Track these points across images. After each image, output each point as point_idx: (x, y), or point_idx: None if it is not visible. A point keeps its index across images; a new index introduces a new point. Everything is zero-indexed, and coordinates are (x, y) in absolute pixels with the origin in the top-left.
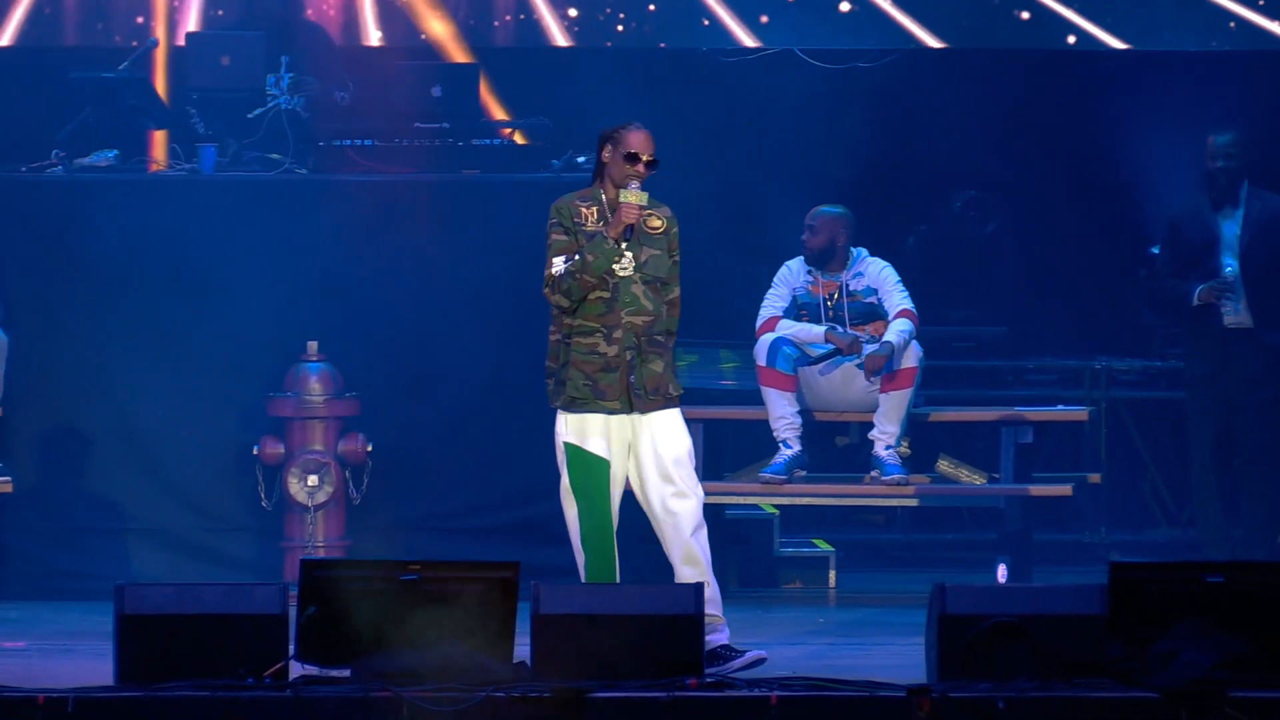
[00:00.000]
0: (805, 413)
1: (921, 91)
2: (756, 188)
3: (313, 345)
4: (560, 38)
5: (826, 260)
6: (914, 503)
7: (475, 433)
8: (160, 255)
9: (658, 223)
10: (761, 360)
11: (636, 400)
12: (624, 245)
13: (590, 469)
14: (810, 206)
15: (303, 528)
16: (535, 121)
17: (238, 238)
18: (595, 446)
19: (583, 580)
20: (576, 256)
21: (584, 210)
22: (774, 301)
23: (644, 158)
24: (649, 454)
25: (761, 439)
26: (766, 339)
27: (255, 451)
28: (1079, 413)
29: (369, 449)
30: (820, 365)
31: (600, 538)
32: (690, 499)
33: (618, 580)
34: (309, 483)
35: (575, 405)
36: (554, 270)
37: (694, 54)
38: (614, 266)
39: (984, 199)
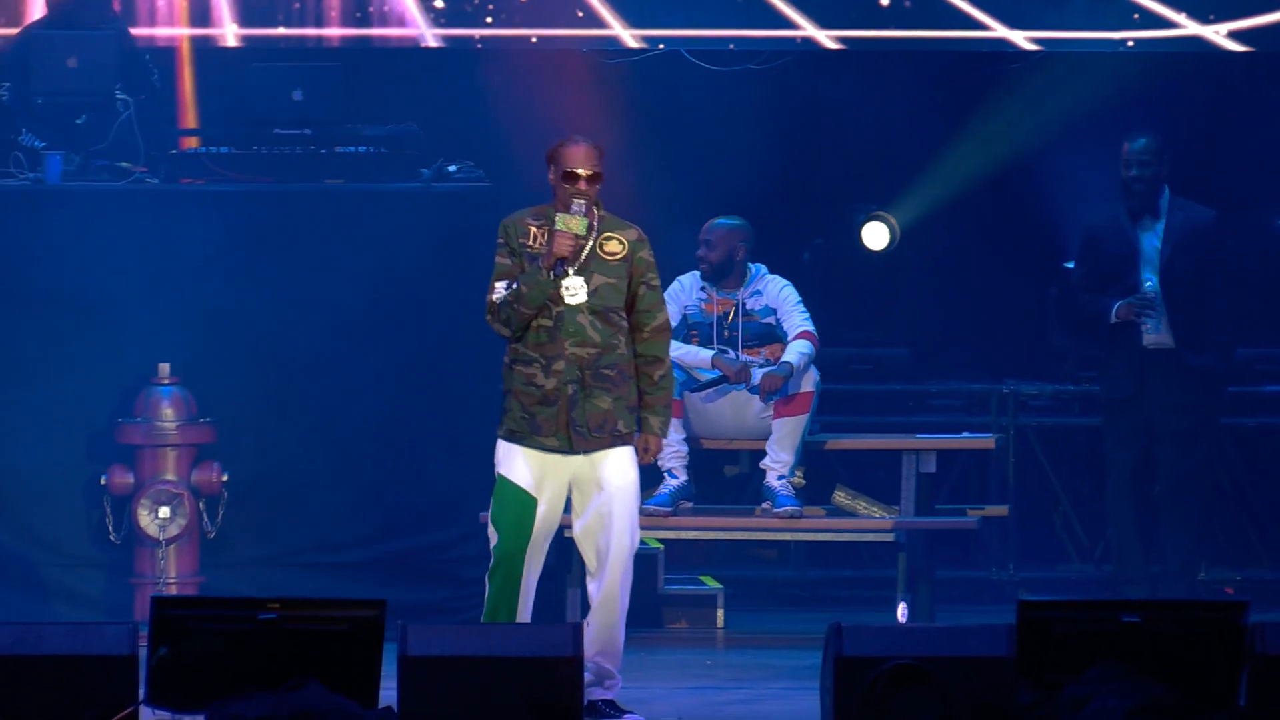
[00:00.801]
0: (692, 440)
1: (818, 95)
2: (644, 198)
3: (164, 367)
4: (427, 33)
5: (723, 276)
6: (809, 537)
7: (340, 461)
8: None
9: (616, 247)
10: None
11: (577, 438)
12: (569, 272)
13: (512, 503)
14: (703, 218)
15: (154, 563)
16: (403, 128)
17: (87, 252)
18: (522, 481)
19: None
20: (515, 284)
21: (534, 230)
22: None
23: (583, 173)
24: (590, 492)
25: (645, 468)
26: None
27: (103, 481)
28: (985, 440)
29: (225, 479)
30: (704, 393)
31: (506, 576)
32: (625, 544)
33: (524, 619)
34: (160, 514)
35: (512, 437)
36: (494, 296)
37: (572, 54)
38: (562, 293)
39: (885, 213)
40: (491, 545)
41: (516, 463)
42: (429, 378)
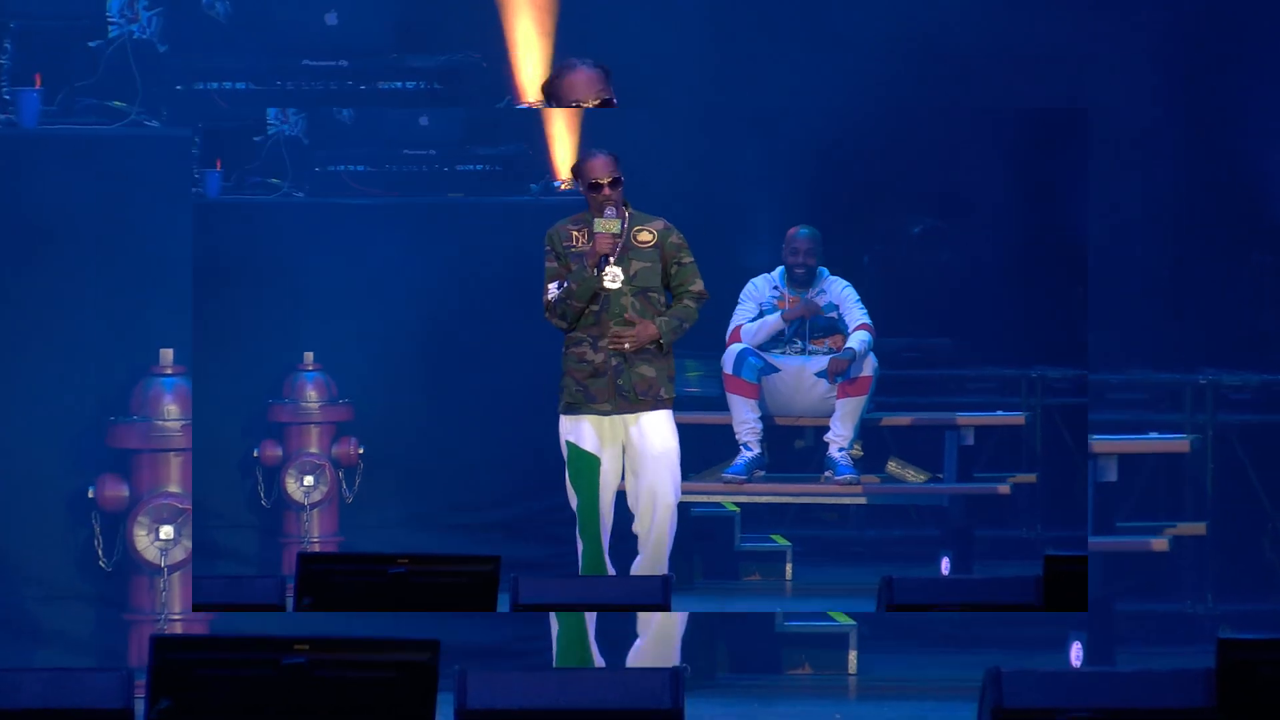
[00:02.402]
0: (766, 418)
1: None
2: (726, 205)
3: (309, 355)
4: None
5: (808, 280)
6: (864, 501)
7: (461, 437)
8: None
9: (647, 236)
10: (729, 369)
11: (622, 402)
12: (610, 263)
13: (583, 465)
14: (777, 225)
15: (153, 595)
16: (514, 148)
17: (74, 212)
18: (588, 445)
19: (579, 569)
20: (566, 283)
21: (575, 233)
22: (741, 315)
23: (604, 183)
24: (635, 450)
25: (724, 442)
26: (734, 350)
27: (90, 494)
28: (1177, 442)
29: (361, 451)
30: (786, 331)
31: (591, 529)
32: (666, 497)
33: (609, 571)
34: (305, 482)
35: (571, 409)
36: (549, 296)
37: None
38: (604, 281)
39: (941, 227)
40: (574, 507)
41: (580, 430)
42: (534, 367)
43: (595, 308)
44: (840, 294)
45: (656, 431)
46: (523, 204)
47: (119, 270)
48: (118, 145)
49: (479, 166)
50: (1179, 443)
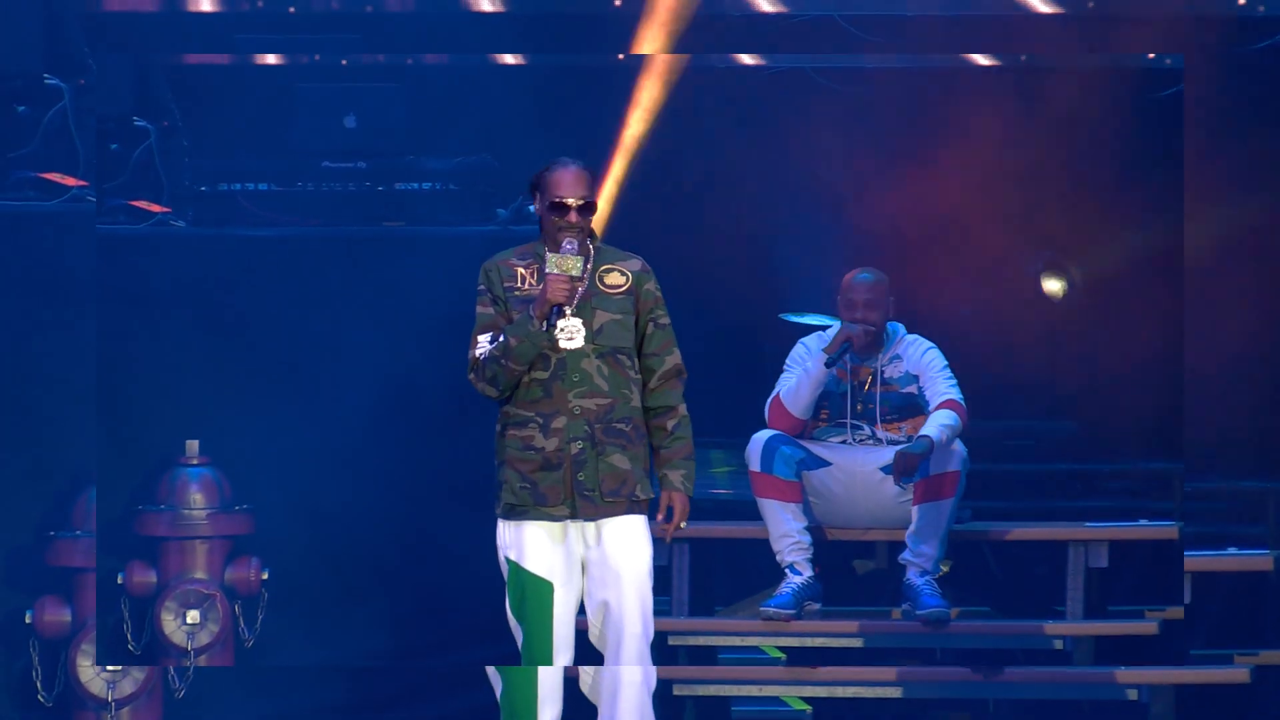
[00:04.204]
0: (817, 529)
1: (972, 118)
2: (754, 239)
3: (193, 445)
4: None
5: (873, 340)
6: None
7: (400, 559)
8: None
9: (618, 279)
10: (755, 464)
11: (584, 504)
12: (566, 314)
13: (530, 591)
14: (827, 266)
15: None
16: (475, 160)
17: (9, 295)
18: (536, 564)
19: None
20: (502, 337)
21: (520, 270)
22: (784, 385)
23: (572, 203)
24: (597, 567)
25: (763, 563)
26: (760, 440)
27: (28, 619)
28: (1167, 529)
29: (264, 576)
30: (838, 364)
31: (527, 690)
32: (634, 627)
33: None
34: (188, 619)
35: (514, 513)
36: (477, 352)
37: (679, 69)
38: (558, 338)
39: (1063, 262)
40: (518, 642)
41: (524, 543)
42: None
43: (543, 374)
44: (921, 360)
45: (629, 543)
46: (486, 236)
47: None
48: (144, 243)
49: (426, 185)
50: (1169, 529)
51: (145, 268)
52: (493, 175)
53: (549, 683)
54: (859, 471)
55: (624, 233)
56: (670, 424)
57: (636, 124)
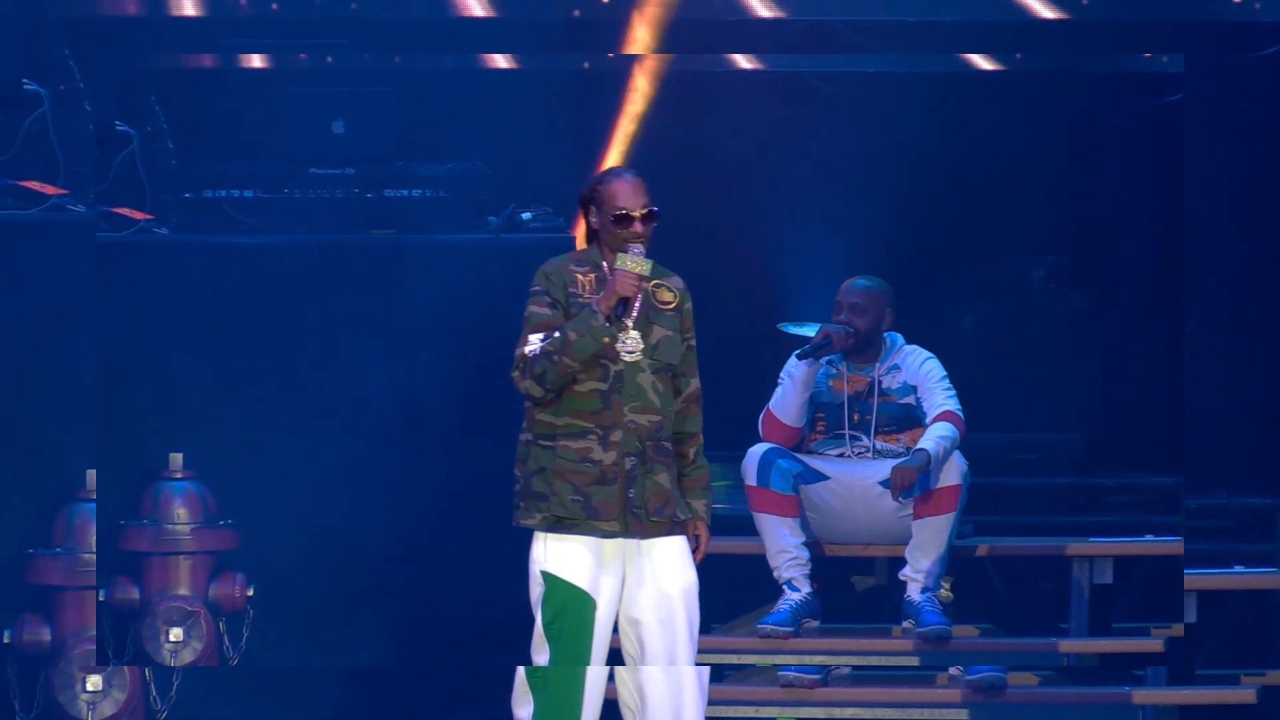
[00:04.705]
0: (815, 545)
1: (976, 122)
2: (750, 244)
3: (176, 458)
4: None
5: (863, 349)
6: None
7: (391, 571)
8: None
9: (669, 295)
10: (750, 478)
11: (633, 521)
12: (628, 325)
13: (571, 607)
14: (827, 272)
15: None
16: (467, 166)
17: (52, 310)
18: (580, 578)
19: None
20: (556, 334)
21: (579, 276)
22: (778, 397)
23: (637, 214)
24: (639, 586)
25: (760, 580)
26: (755, 453)
27: (6, 639)
28: (1172, 544)
29: (249, 593)
30: (811, 361)
31: (571, 705)
32: (689, 653)
33: None
34: (172, 636)
35: (559, 525)
36: (527, 349)
37: (676, 74)
38: (619, 349)
39: (1070, 265)
40: (544, 661)
41: (568, 556)
42: (503, 471)
43: (603, 385)
44: (919, 370)
45: (678, 563)
46: (477, 244)
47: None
48: (125, 250)
49: (416, 192)
50: (1174, 545)
51: (127, 277)
52: (484, 182)
53: (594, 692)
54: (857, 485)
55: None
56: (692, 451)
57: (628, 127)
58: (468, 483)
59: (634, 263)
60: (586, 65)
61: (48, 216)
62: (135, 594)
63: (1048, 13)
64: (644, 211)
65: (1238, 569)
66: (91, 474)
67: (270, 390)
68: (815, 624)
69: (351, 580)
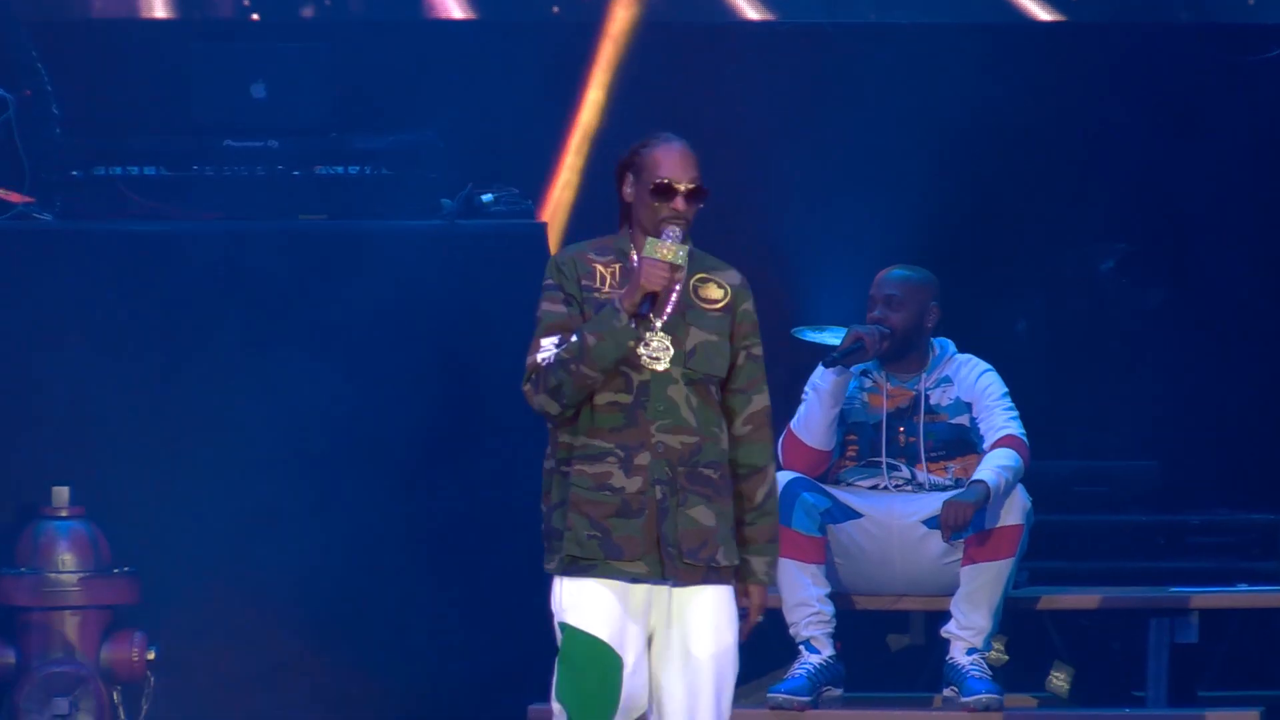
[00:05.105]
0: (841, 597)
1: (1026, 85)
2: (758, 231)
3: (61, 492)
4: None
5: (903, 354)
6: None
7: (321, 632)
8: None
9: (716, 292)
10: None
11: (668, 563)
12: (656, 324)
13: (595, 662)
14: (850, 266)
15: None
16: (415, 137)
17: None
18: (601, 629)
19: None
20: (574, 338)
21: (599, 268)
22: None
23: (681, 187)
24: (670, 645)
25: (773, 637)
26: (778, 481)
27: None
28: (1271, 595)
29: (150, 656)
30: (838, 369)
31: None
32: None
33: None
34: (56, 710)
35: (578, 567)
36: (539, 356)
37: (665, 27)
38: (642, 354)
39: (1145, 255)
40: None
41: (589, 603)
42: (457, 507)
43: (626, 398)
44: (976, 384)
45: (714, 619)
46: (428, 232)
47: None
48: None
49: (353, 169)
50: (1274, 596)
51: (0, 272)
52: (436, 156)
53: None
54: (895, 525)
55: (586, 228)
56: (760, 494)
57: (598, 89)
58: (416, 523)
59: (666, 248)
60: (556, 10)
61: (11, 224)
62: (11, 657)
63: None
64: (691, 186)
65: (1242, 588)
66: (61, 490)
67: (177, 410)
68: (838, 693)
69: (275, 641)
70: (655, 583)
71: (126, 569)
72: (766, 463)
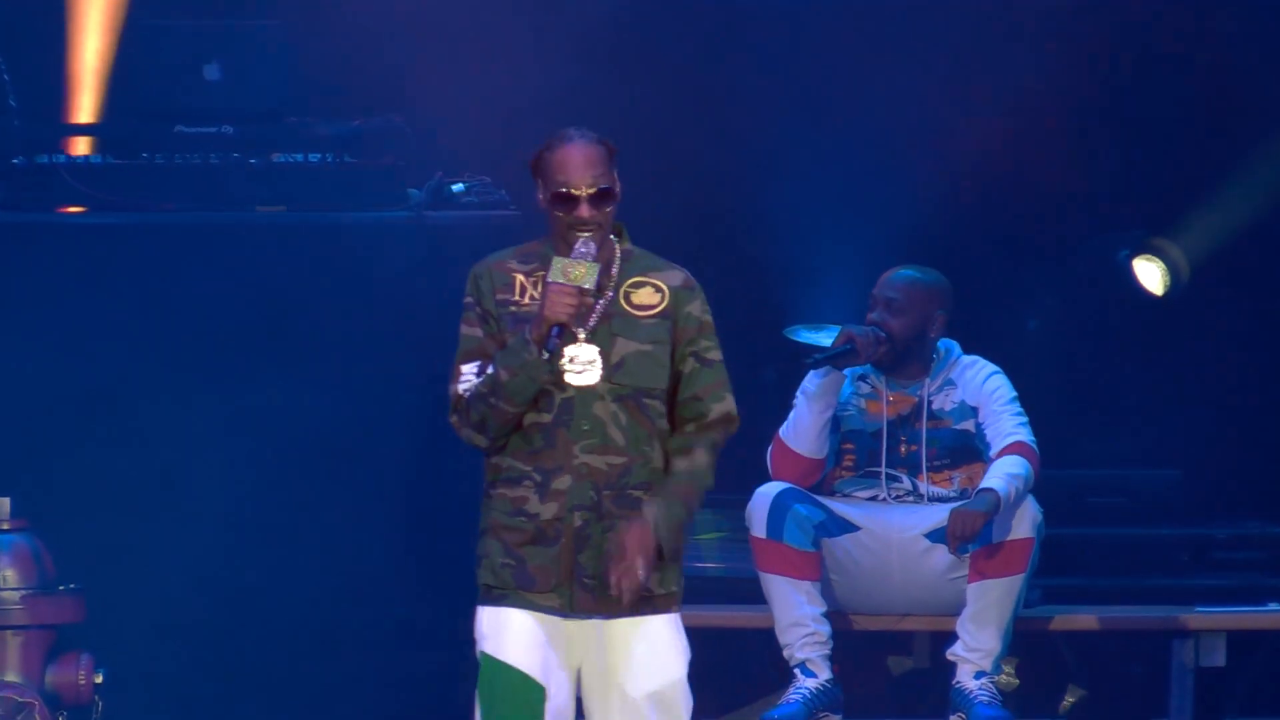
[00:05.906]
0: (838, 616)
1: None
2: (745, 223)
3: (3, 504)
4: None
5: (905, 359)
6: None
7: (273, 652)
8: None
9: (652, 297)
10: (759, 529)
11: (581, 595)
12: (579, 337)
13: (507, 696)
14: (847, 265)
15: None
16: (380, 123)
17: None
18: (520, 660)
19: None
20: (492, 368)
21: (520, 278)
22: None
23: (582, 193)
24: (604, 684)
25: (766, 659)
26: (766, 495)
27: None
28: None
29: (98, 680)
30: (823, 370)
31: None
32: None
33: None
34: None
35: (492, 596)
36: (460, 387)
37: None
38: (563, 368)
39: (1160, 248)
40: None
41: (508, 633)
42: (422, 523)
43: (546, 417)
44: (982, 388)
45: (650, 654)
46: (393, 225)
47: None
48: None
49: (314, 156)
50: None
51: None
52: (403, 143)
53: None
54: (895, 538)
55: None
56: (681, 464)
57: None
58: (382, 536)
59: (576, 269)
60: None
61: None
62: None
63: None
64: (592, 190)
65: (1272, 607)
66: (3, 501)
67: (126, 415)
68: (836, 719)
69: (230, 663)
70: (573, 616)
71: (73, 586)
72: (711, 446)
